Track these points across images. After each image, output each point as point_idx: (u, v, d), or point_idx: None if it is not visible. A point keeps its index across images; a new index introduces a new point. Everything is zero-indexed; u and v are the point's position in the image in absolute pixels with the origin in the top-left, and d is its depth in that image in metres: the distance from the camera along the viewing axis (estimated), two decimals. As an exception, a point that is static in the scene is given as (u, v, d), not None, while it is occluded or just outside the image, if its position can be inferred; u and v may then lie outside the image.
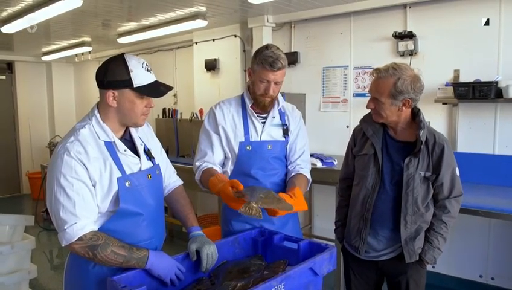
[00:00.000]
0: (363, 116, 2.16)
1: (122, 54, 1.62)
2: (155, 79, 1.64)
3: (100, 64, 1.64)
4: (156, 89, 1.63)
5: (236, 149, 2.16)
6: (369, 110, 2.08)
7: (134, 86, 1.58)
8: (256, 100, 2.14)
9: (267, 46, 2.10)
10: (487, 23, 3.42)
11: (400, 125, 2.02)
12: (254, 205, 1.69)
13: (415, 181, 1.98)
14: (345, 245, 2.24)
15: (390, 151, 2.05)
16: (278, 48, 2.09)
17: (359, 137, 2.18)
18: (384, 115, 1.98)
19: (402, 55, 3.86)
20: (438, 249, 2.03)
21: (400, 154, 2.02)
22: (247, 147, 2.16)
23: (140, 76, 1.58)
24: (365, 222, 2.07)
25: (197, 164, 2.20)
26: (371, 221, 2.06)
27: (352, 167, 2.21)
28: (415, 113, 2.03)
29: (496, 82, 3.25)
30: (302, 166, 2.24)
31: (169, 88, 1.67)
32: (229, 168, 2.21)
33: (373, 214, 2.05)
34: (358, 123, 2.19)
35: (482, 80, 3.33)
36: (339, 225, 2.31)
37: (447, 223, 2.03)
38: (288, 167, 2.25)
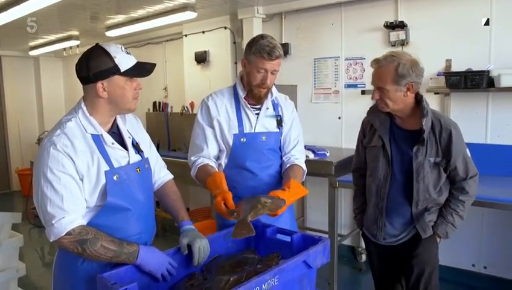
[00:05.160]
0: (370, 107, 2.19)
1: (98, 44, 1.59)
2: (136, 60, 1.62)
3: (77, 62, 1.60)
4: (142, 69, 1.61)
5: (231, 141, 2.13)
6: (368, 105, 2.16)
7: (122, 71, 1.55)
8: (252, 91, 2.11)
9: (262, 36, 2.08)
10: (487, 23, 3.39)
11: (405, 113, 2.05)
12: (245, 223, 1.65)
13: (425, 169, 2.01)
14: (364, 232, 2.30)
15: (398, 141, 2.09)
16: (272, 38, 2.08)
17: (368, 128, 2.22)
18: (390, 103, 2.00)
19: (393, 45, 3.83)
20: (451, 225, 2.08)
21: (408, 143, 2.05)
22: (242, 139, 2.13)
23: (124, 60, 1.57)
24: (381, 211, 2.15)
25: (193, 158, 2.18)
26: (386, 210, 2.13)
27: (363, 158, 2.27)
28: (419, 100, 2.05)
29: (488, 71, 3.24)
30: (297, 157, 2.22)
31: (154, 64, 1.65)
32: (224, 161, 2.19)
33: (387, 203, 2.12)
34: (366, 114, 2.21)
35: (474, 69, 3.32)
36: (357, 213, 2.38)
37: (464, 202, 2.07)
38: (283, 158, 2.24)
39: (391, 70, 1.95)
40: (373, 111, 2.16)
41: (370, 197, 2.22)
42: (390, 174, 2.09)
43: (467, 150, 2.08)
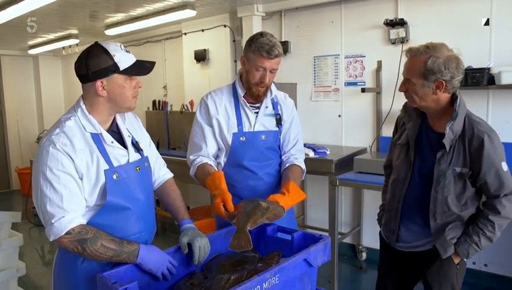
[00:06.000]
0: (405, 103, 2.02)
1: (97, 42, 1.58)
2: (136, 59, 1.61)
3: (76, 60, 1.58)
4: (142, 67, 1.61)
5: (230, 140, 2.12)
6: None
7: (121, 69, 1.54)
8: (250, 89, 2.10)
9: (261, 34, 2.05)
10: (487, 23, 3.38)
11: (437, 113, 1.87)
12: (244, 234, 1.63)
13: (446, 179, 1.83)
14: (381, 232, 2.20)
15: (424, 143, 1.93)
16: (272, 35, 2.05)
17: (400, 125, 2.09)
18: (416, 98, 1.83)
19: (393, 43, 3.83)
20: (475, 245, 1.86)
21: (434, 147, 1.87)
22: (241, 138, 2.12)
23: (124, 58, 1.56)
24: (396, 213, 2.02)
25: (191, 157, 2.17)
26: (401, 213, 2.00)
27: (393, 155, 2.14)
28: (454, 101, 1.84)
29: (488, 68, 3.24)
30: (297, 156, 2.21)
31: (153, 63, 1.64)
32: (223, 159, 2.18)
33: (403, 206, 1.99)
34: (401, 111, 2.09)
35: (474, 66, 3.30)
36: (381, 210, 2.26)
37: (495, 223, 1.83)
38: (282, 157, 2.23)
39: (420, 62, 1.76)
40: (407, 108, 2.01)
41: (388, 197, 2.10)
42: (410, 176, 1.94)
43: (503, 164, 1.81)
